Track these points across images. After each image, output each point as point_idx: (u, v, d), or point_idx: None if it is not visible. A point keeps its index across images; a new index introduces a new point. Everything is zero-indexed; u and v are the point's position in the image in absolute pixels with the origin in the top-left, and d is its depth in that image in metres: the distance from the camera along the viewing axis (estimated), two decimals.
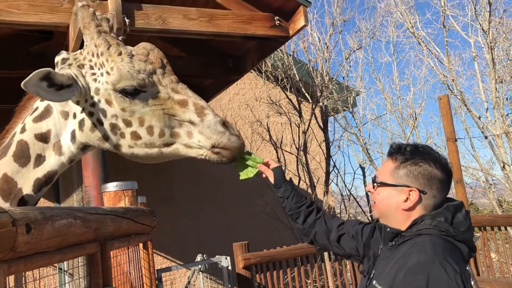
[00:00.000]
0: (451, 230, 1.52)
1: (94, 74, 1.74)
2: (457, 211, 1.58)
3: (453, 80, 11.51)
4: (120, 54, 1.73)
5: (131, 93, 1.69)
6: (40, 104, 1.85)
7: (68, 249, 1.47)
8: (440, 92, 13.39)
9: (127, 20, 3.84)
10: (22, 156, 1.79)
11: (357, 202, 12.37)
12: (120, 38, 1.88)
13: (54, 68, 1.76)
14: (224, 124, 1.75)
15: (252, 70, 8.21)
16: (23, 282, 1.98)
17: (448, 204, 1.58)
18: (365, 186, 12.28)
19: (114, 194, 2.75)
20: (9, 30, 4.77)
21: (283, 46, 7.27)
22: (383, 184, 1.64)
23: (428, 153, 1.64)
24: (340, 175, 12.20)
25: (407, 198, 1.59)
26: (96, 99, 1.73)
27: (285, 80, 9.04)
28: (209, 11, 4.50)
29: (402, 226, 1.60)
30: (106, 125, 1.72)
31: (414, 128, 12.53)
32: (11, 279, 1.88)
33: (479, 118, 11.24)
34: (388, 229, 1.64)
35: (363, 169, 12.31)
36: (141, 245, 2.75)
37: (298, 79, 9.25)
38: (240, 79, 6.83)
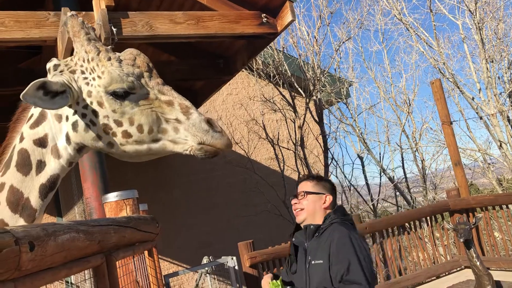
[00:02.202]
0: (346, 218, 2.52)
1: (86, 78, 1.82)
2: (344, 209, 2.61)
3: (444, 63, 11.54)
4: (109, 59, 1.81)
5: (121, 95, 1.78)
6: (35, 111, 1.92)
7: (74, 263, 1.46)
8: (432, 76, 13.43)
9: (114, 29, 3.83)
10: (24, 165, 1.85)
11: (358, 192, 12.40)
12: (108, 47, 1.93)
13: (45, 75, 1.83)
14: (209, 122, 1.81)
15: (243, 69, 8.20)
16: None
17: (337, 206, 2.61)
18: (364, 176, 12.31)
19: (116, 204, 2.74)
20: None
21: (272, 42, 7.27)
22: (311, 193, 2.55)
23: (326, 178, 2.74)
24: (339, 167, 12.23)
25: (324, 201, 2.54)
26: (88, 101, 1.81)
27: (277, 77, 9.04)
28: (195, 13, 4.49)
29: (320, 220, 2.50)
30: (99, 125, 1.81)
31: (409, 114, 12.57)
32: None
33: (473, 99, 11.27)
34: (312, 226, 2.48)
35: (361, 158, 12.34)
36: (146, 252, 2.75)
37: (289, 74, 9.25)
38: (232, 79, 6.83)
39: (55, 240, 1.27)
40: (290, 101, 8.92)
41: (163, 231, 2.97)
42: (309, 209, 2.51)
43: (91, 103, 1.81)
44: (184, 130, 1.79)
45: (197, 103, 7.33)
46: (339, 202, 11.43)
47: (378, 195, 12.01)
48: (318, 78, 9.18)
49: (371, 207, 11.72)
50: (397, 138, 12.78)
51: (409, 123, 12.92)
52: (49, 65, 1.87)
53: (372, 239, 6.31)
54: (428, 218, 6.55)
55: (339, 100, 11.04)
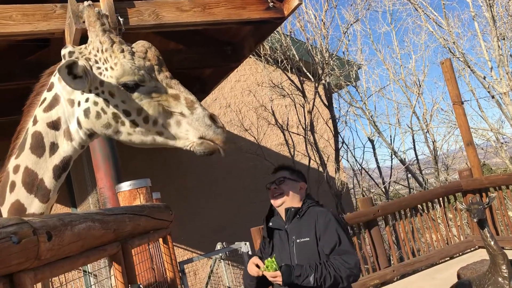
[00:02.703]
0: (319, 202, 2.82)
1: (99, 68, 1.90)
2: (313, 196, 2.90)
3: (454, 42, 11.37)
4: (122, 51, 1.88)
5: (132, 87, 1.87)
6: (47, 95, 2.00)
7: (90, 252, 1.49)
8: (442, 56, 13.25)
9: (121, 19, 3.82)
10: (38, 147, 1.94)
11: (369, 175, 12.37)
12: (121, 38, 1.98)
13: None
14: (212, 117, 1.90)
15: (251, 55, 8.16)
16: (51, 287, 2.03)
17: (307, 193, 2.85)
18: (375, 159, 12.26)
19: (129, 193, 2.77)
20: (5, 41, 4.78)
21: (279, 27, 7.21)
22: (290, 179, 2.76)
23: (299, 169, 2.95)
24: (350, 151, 12.20)
25: (300, 188, 2.78)
26: (100, 90, 1.90)
27: (285, 62, 8.98)
28: (201, 0, 4.46)
29: (298, 204, 2.73)
30: (109, 114, 1.90)
31: (419, 95, 12.44)
32: (39, 286, 1.92)
33: (484, 78, 11.12)
34: (293, 209, 2.70)
35: (372, 141, 12.28)
36: (160, 240, 2.78)
37: (298, 59, 9.18)
38: (239, 65, 6.80)
39: (72, 230, 1.29)
40: (299, 86, 8.87)
41: (175, 218, 3.00)
42: (288, 193, 2.74)
43: (103, 92, 1.89)
44: (186, 124, 1.88)
45: (205, 91, 7.32)
46: (350, 186, 11.46)
47: (390, 178, 11.97)
48: (326, 62, 9.10)
49: (383, 190, 11.70)
50: (408, 120, 12.67)
51: (420, 104, 12.81)
52: (64, 51, 1.93)
53: (385, 221, 6.31)
54: (440, 199, 6.53)
55: (348, 83, 10.96)
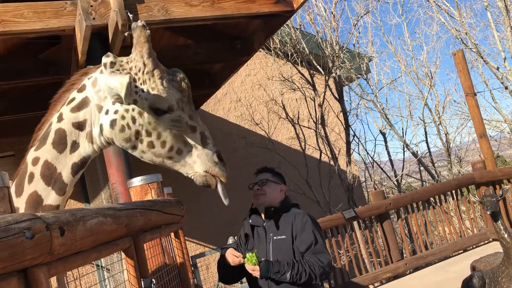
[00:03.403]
0: (297, 204, 3.06)
1: (136, 87, 2.01)
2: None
3: (466, 33, 11.21)
4: (161, 78, 2.02)
5: (161, 112, 2.01)
6: (77, 95, 2.09)
7: (103, 247, 1.50)
8: (454, 47, 13.08)
9: (130, 15, 3.83)
10: (60, 143, 2.04)
11: (381, 168, 12.30)
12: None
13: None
14: (219, 156, 2.07)
15: (260, 49, 8.13)
16: (65, 282, 2.05)
17: (286, 195, 3.07)
18: (387, 152, 12.18)
19: (141, 188, 2.79)
20: (16, 39, 4.82)
21: (289, 20, 7.16)
22: (272, 181, 3.00)
23: (280, 172, 3.14)
24: (361, 144, 12.13)
25: (280, 189, 3.02)
26: (131, 107, 2.00)
27: (295, 55, 8.94)
28: None
29: (277, 205, 2.95)
30: (132, 130, 2.02)
31: (431, 87, 12.31)
32: (53, 281, 1.94)
33: (498, 68, 10.96)
34: (273, 208, 2.93)
35: (383, 134, 12.20)
36: (172, 234, 2.80)
37: (308, 52, 9.13)
38: (249, 59, 6.78)
39: (84, 225, 1.30)
40: (309, 79, 8.83)
41: (187, 213, 3.02)
42: (270, 194, 2.96)
43: (133, 109, 2.00)
44: (196, 156, 2.05)
45: (215, 86, 7.32)
46: (362, 179, 11.44)
47: (402, 171, 11.89)
48: (337, 55, 9.04)
49: (395, 182, 11.62)
50: (420, 112, 12.55)
51: (432, 96, 12.67)
52: (106, 60, 2.02)
53: (397, 214, 6.28)
54: (453, 191, 6.47)
55: (359, 76, 10.88)
